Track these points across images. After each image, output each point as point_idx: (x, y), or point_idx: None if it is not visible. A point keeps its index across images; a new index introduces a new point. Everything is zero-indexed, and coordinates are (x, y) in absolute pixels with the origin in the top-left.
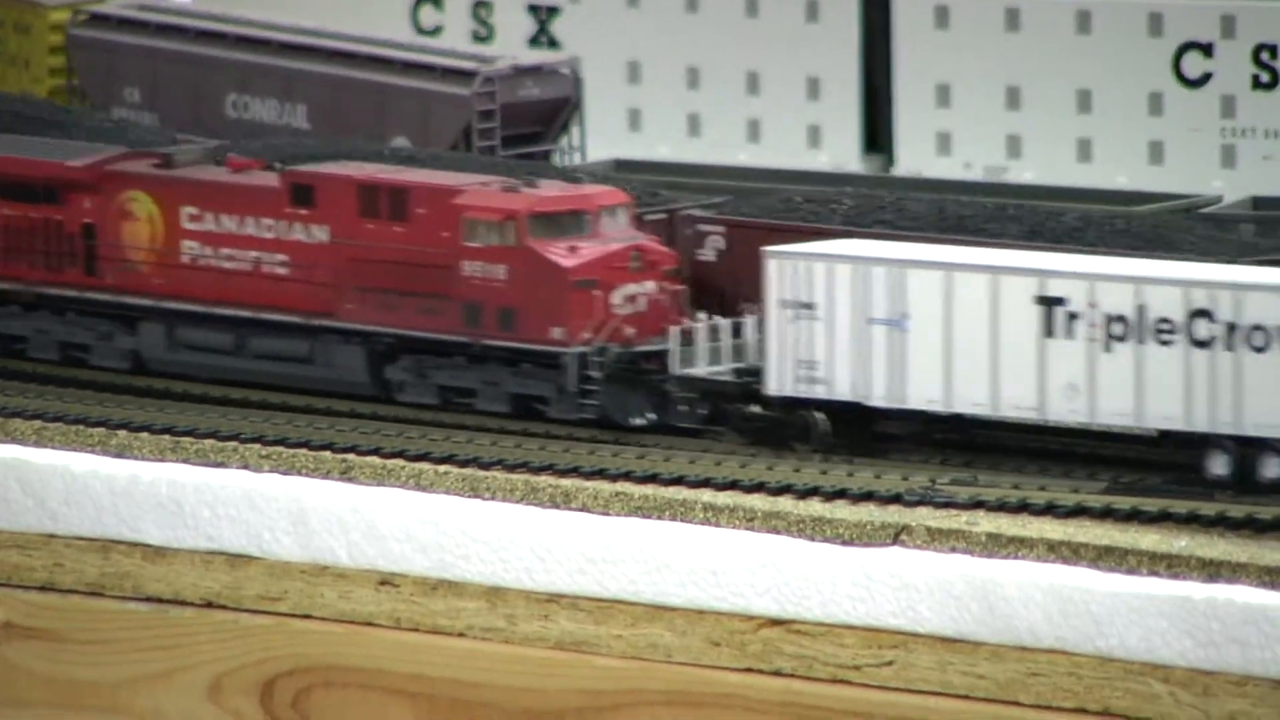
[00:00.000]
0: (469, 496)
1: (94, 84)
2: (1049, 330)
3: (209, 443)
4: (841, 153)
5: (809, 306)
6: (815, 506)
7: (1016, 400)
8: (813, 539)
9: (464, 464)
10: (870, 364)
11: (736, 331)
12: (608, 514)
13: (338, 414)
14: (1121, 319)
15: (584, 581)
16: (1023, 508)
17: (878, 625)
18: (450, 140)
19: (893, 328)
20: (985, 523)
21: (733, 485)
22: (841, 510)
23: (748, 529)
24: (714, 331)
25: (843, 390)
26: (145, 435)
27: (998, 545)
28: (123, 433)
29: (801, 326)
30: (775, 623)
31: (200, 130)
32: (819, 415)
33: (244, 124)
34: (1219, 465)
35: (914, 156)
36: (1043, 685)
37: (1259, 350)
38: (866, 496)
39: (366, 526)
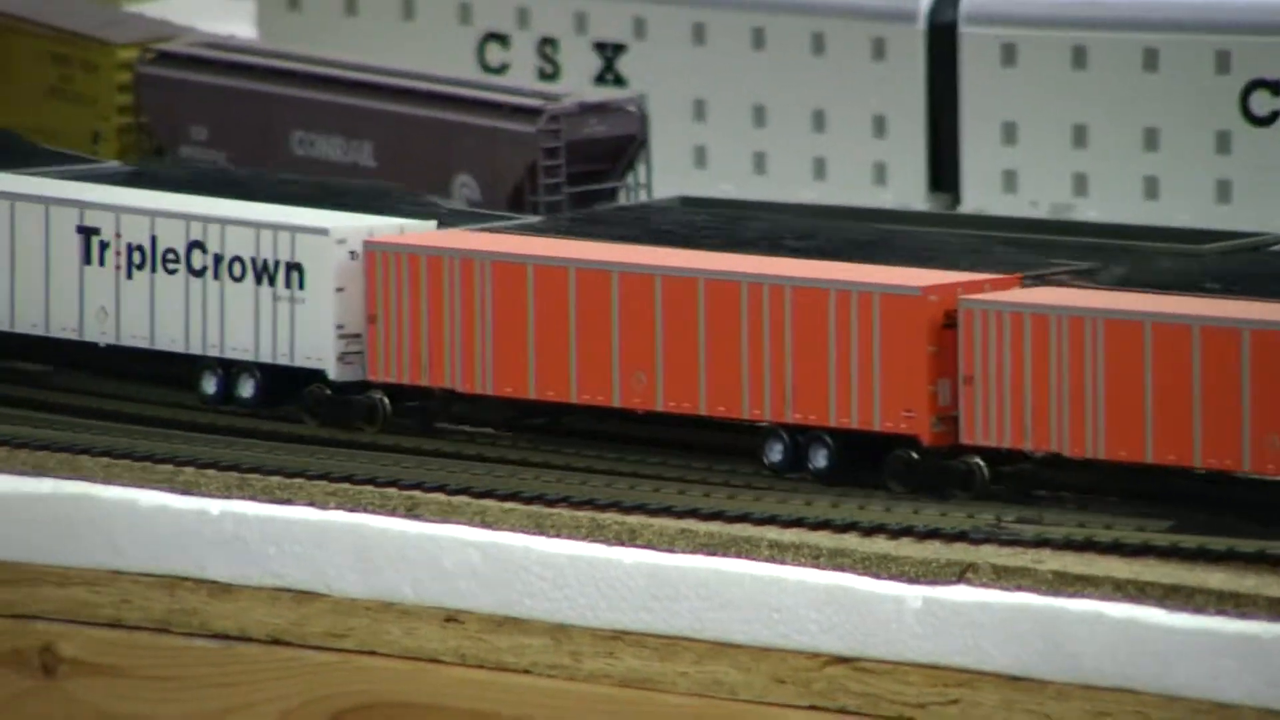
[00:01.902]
0: (534, 533)
1: (161, 122)
2: (88, 258)
3: (275, 479)
4: (907, 190)
5: None
6: (880, 544)
7: (62, 322)
8: (878, 576)
9: (529, 500)
10: None
11: None
12: (672, 551)
13: (403, 450)
14: (140, 249)
15: (649, 619)
16: (1088, 546)
17: (943, 663)
18: (516, 178)
19: None
20: (1051, 561)
21: (798, 522)
22: (907, 548)
23: (813, 566)
24: None
25: None
26: (212, 471)
27: (1063, 583)
28: (189, 469)
29: None
30: (840, 660)
31: (267, 169)
32: None
33: (309, 162)
34: None
35: (980, 194)
36: None
37: (237, 280)
38: (932, 534)
39: (431, 563)
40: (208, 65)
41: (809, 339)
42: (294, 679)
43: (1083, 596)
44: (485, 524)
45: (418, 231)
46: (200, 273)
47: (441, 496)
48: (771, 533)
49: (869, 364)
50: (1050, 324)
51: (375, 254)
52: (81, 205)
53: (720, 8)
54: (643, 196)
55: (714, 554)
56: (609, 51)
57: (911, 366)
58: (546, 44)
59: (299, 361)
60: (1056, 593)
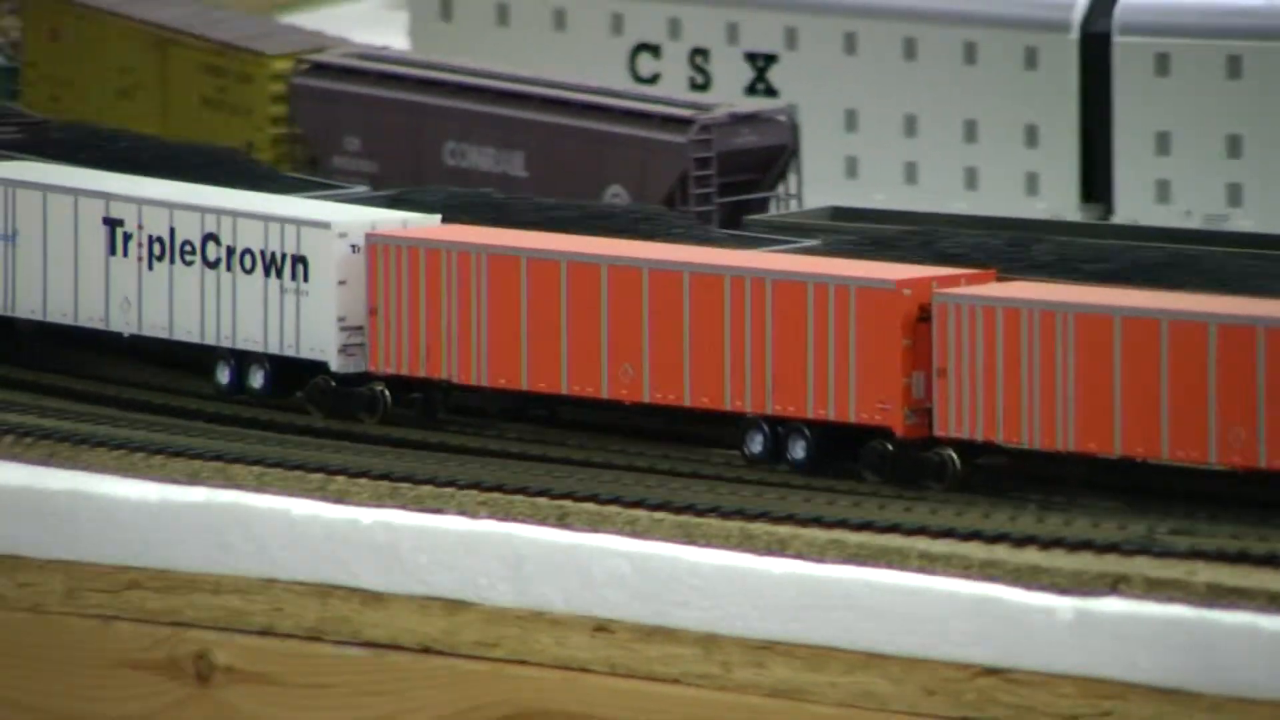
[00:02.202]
0: (684, 543)
1: (314, 132)
2: (112, 249)
3: (426, 489)
4: (1059, 201)
5: None
6: (1031, 555)
7: (90, 312)
8: (1029, 587)
9: (679, 510)
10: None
11: None
12: (822, 561)
13: (552, 460)
14: (160, 240)
15: (798, 629)
16: (1242, 558)
17: (1095, 675)
18: (667, 188)
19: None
20: (1204, 573)
21: (948, 533)
22: (1058, 558)
23: (963, 577)
24: None
25: None
26: (363, 481)
27: (1217, 595)
28: (341, 478)
29: None
30: (991, 672)
31: (418, 179)
32: None
33: (461, 172)
34: None
35: (1133, 205)
36: None
37: (248, 272)
38: (1084, 545)
39: (582, 573)
40: (361, 76)
41: (788, 332)
42: (444, 688)
43: (1237, 609)
44: (636, 533)
45: (421, 226)
46: (215, 265)
47: (592, 506)
48: (921, 543)
49: (845, 356)
50: (1022, 318)
51: (376, 247)
52: (107, 197)
53: (872, 18)
54: (793, 206)
55: (864, 564)
56: (760, 62)
57: (886, 359)
58: (698, 54)
59: (304, 354)
60: (1210, 605)
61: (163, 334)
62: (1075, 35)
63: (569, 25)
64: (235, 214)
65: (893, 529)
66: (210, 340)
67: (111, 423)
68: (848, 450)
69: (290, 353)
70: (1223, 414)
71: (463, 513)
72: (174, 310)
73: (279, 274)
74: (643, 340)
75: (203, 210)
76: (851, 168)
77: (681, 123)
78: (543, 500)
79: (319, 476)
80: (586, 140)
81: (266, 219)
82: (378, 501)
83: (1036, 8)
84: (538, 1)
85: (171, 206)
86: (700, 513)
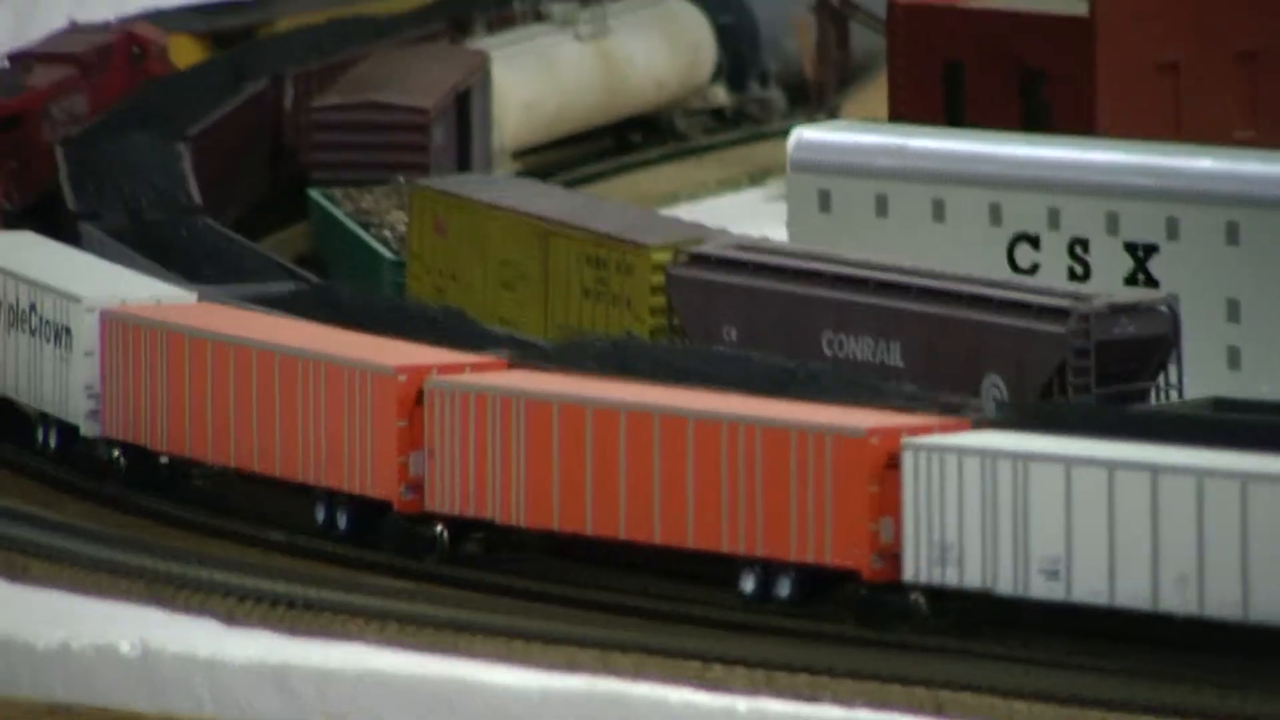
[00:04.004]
0: None
1: (693, 321)
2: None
3: (802, 676)
4: None
5: None
6: None
7: None
8: None
9: (1065, 702)
10: None
11: None
12: None
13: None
14: (12, 308)
15: None
16: None
17: None
18: (1045, 378)
19: None
20: None
21: None
22: None
23: None
24: None
25: None
26: (740, 669)
27: None
28: (718, 665)
29: None
30: None
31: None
32: None
33: (839, 362)
34: None
35: None
36: None
37: (48, 341)
38: None
39: None
40: (739, 266)
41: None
42: None
43: None
44: None
45: (172, 303)
46: (35, 332)
47: (970, 696)
48: None
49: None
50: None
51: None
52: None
53: (1256, 207)
54: (1174, 397)
55: None
56: (1140, 252)
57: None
58: (1077, 244)
59: (70, 416)
60: None
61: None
62: None
63: (948, 215)
64: (40, 285)
65: None
66: (25, 400)
67: (489, 610)
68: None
69: (60, 415)
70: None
71: (837, 701)
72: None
73: (58, 342)
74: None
75: (19, 280)
76: (1234, 358)
77: (1060, 313)
78: (919, 689)
79: (695, 664)
80: (964, 330)
81: (49, 290)
82: (753, 689)
83: None
84: (917, 192)
85: (9, 276)
86: (1084, 704)
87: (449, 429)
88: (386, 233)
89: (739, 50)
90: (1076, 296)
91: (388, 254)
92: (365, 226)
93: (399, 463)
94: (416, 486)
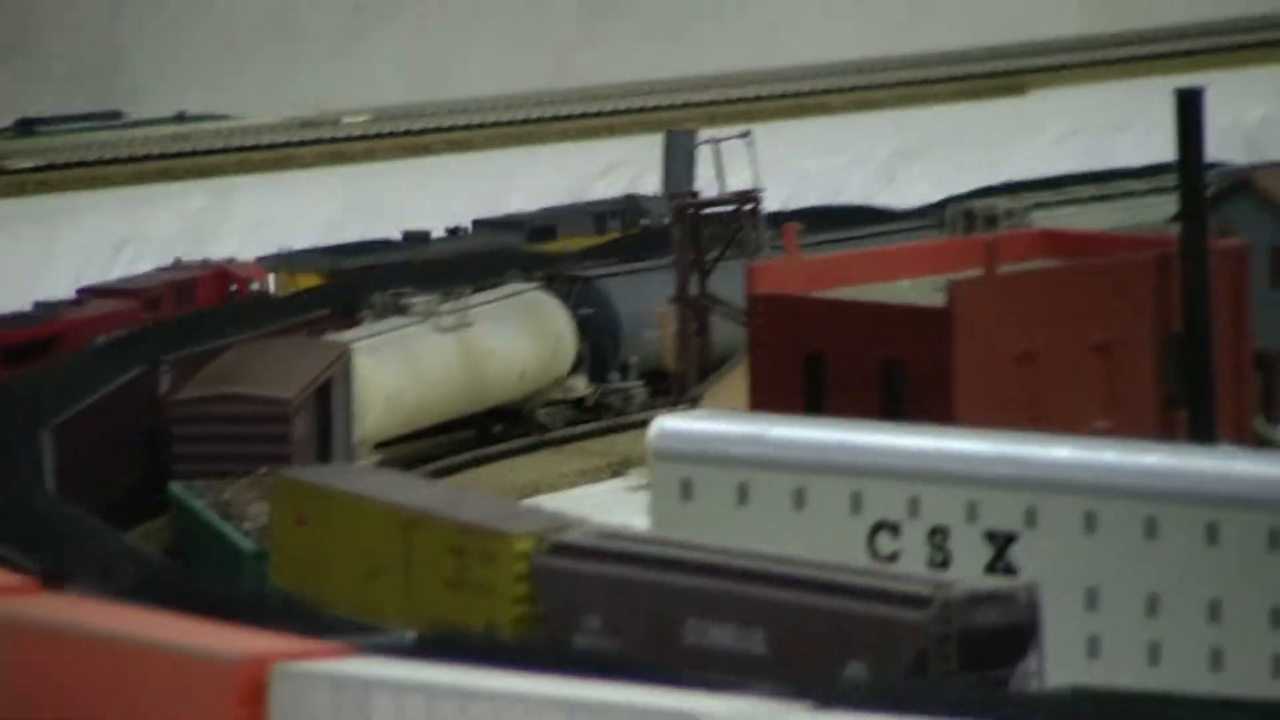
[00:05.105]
0: None
1: (555, 611)
2: None
3: None
4: None
5: None
6: None
7: None
8: None
9: None
10: None
11: None
12: None
13: None
14: None
15: None
16: None
17: None
18: (906, 666)
19: None
20: None
21: None
22: None
23: None
24: None
25: None
26: None
27: None
28: None
29: None
30: None
31: (659, 658)
32: None
33: (701, 651)
34: None
35: None
36: None
37: None
38: None
39: None
40: (602, 555)
41: None
42: None
43: None
44: None
45: None
46: None
47: None
48: None
49: None
50: None
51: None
52: None
53: (1113, 497)
54: (1034, 686)
55: None
56: (1000, 541)
57: None
58: (937, 533)
59: None
60: None
61: None
62: None
63: (808, 504)
64: None
65: None
66: None
67: None
68: None
69: None
70: None
71: None
72: None
73: None
74: None
75: None
76: (1093, 647)
77: (921, 601)
78: None
79: None
80: (826, 618)
81: None
82: None
83: None
84: (778, 481)
85: None
86: None
87: None
88: (247, 525)
89: (600, 341)
90: (937, 584)
91: (249, 546)
92: (227, 519)
93: None
94: None
